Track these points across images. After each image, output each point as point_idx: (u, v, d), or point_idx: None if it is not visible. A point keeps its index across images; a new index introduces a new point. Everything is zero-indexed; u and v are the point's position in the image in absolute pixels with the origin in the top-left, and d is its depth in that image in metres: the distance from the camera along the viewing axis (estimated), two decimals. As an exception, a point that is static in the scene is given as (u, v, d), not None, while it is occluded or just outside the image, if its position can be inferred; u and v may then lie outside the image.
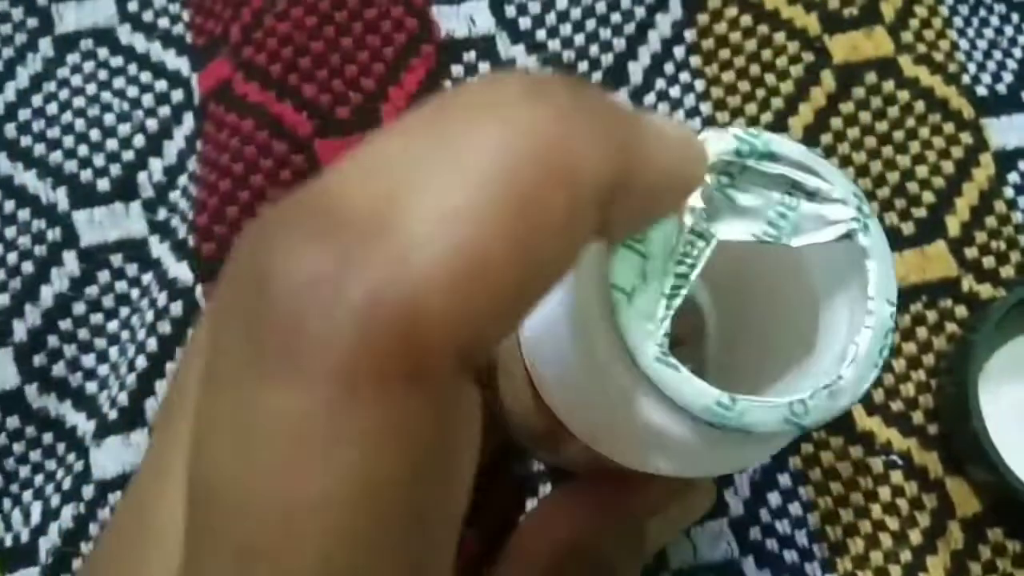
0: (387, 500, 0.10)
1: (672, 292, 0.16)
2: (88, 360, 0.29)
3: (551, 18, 0.30)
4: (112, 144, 0.30)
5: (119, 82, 0.31)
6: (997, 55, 0.31)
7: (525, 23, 0.30)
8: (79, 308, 0.29)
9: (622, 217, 0.12)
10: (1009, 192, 0.29)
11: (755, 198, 0.17)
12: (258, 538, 0.10)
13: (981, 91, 0.30)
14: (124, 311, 0.29)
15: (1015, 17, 0.31)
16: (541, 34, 0.30)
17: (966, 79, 0.30)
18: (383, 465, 0.10)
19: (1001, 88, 0.30)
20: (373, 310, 0.09)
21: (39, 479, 0.28)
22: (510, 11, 0.30)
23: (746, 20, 0.31)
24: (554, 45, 0.30)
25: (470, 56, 0.30)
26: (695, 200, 0.16)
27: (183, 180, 0.29)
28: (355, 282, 0.09)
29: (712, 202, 0.16)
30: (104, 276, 0.29)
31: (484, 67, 0.30)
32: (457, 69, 0.30)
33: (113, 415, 0.27)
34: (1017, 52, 0.31)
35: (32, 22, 0.31)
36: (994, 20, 0.31)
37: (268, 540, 0.09)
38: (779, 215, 0.17)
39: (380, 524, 0.10)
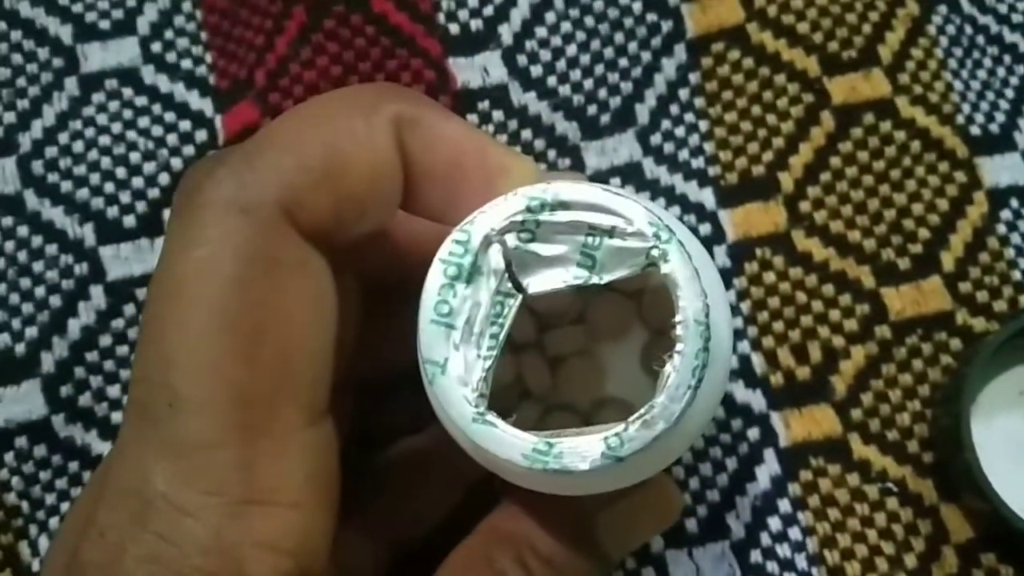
0: (228, 287, 0.18)
1: (488, 353, 0.19)
2: (114, 391, 0.32)
3: (561, 65, 0.34)
4: (138, 182, 0.34)
5: (144, 121, 0.34)
6: (990, 96, 0.34)
7: (536, 71, 0.34)
8: (105, 340, 0.32)
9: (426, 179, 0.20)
10: (1002, 229, 0.33)
11: (558, 247, 0.19)
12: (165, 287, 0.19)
13: (975, 131, 0.34)
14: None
15: (1007, 59, 0.35)
16: (552, 81, 0.34)
17: (960, 119, 0.34)
18: (224, 261, 0.18)
19: (994, 128, 0.34)
20: (226, 177, 0.19)
21: (65, 507, 0.32)
22: (521, 60, 0.34)
23: (748, 63, 0.34)
24: (564, 90, 0.34)
25: (484, 105, 0.34)
26: (496, 262, 0.19)
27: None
28: (225, 165, 0.19)
29: (518, 261, 0.19)
30: (130, 309, 0.33)
31: (497, 115, 0.33)
32: (472, 118, 0.33)
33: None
34: (1009, 92, 0.34)
35: (58, 62, 0.35)
36: (987, 62, 0.35)
37: (172, 288, 0.19)
38: (585, 257, 0.19)
39: (228, 297, 0.18)
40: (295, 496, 0.18)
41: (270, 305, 0.18)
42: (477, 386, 0.18)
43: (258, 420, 0.18)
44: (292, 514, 0.18)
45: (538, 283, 0.19)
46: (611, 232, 0.19)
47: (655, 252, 0.18)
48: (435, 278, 0.19)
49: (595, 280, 0.19)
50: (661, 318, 0.24)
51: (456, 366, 0.19)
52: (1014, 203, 0.33)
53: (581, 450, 0.18)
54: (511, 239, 0.19)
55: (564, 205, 0.19)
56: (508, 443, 0.18)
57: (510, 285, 0.19)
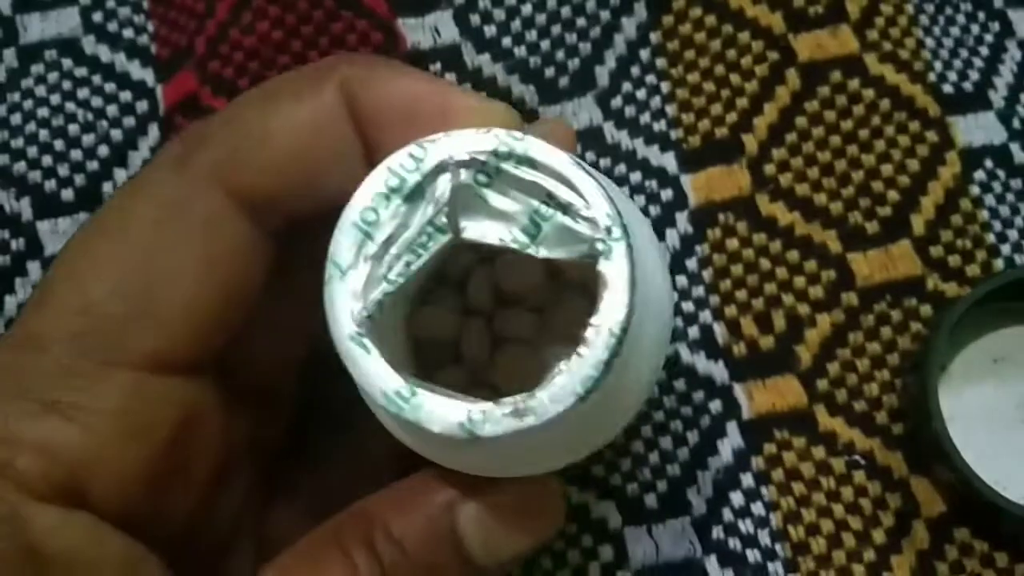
0: (135, 226, 0.20)
1: (395, 279, 0.18)
2: (54, 371, 0.32)
3: (516, 25, 0.33)
4: (76, 155, 0.33)
5: (83, 92, 0.33)
6: (963, 53, 0.33)
7: (490, 31, 0.33)
8: (45, 319, 0.32)
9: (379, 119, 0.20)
10: (975, 190, 0.32)
11: (510, 202, 0.18)
12: None
13: (947, 89, 0.33)
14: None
15: (981, 15, 0.34)
16: (507, 41, 0.33)
17: (932, 77, 0.33)
18: (145, 204, 0.20)
19: (967, 86, 0.33)
20: (180, 141, 0.21)
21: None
22: (474, 20, 0.33)
23: (711, 20, 0.33)
24: (520, 52, 0.33)
25: (436, 67, 0.33)
26: (442, 192, 0.18)
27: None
28: (186, 132, 0.22)
29: (465, 199, 0.18)
30: (69, 286, 0.32)
31: (450, 78, 0.33)
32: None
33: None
34: (983, 50, 0.33)
35: (-4, 33, 0.34)
36: (960, 18, 0.34)
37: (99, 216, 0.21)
38: (532, 223, 0.18)
39: (128, 233, 0.21)
40: (100, 424, 0.19)
41: (165, 249, 0.20)
42: (369, 307, 0.18)
43: (98, 340, 0.19)
44: (87, 436, 0.19)
45: (476, 231, 0.18)
46: (566, 208, 0.18)
47: (599, 246, 0.18)
48: (373, 184, 0.18)
49: (532, 251, 0.18)
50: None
51: (357, 278, 0.18)
52: (988, 163, 0.33)
53: (440, 412, 0.17)
54: (466, 175, 0.18)
55: (531, 163, 0.18)
56: (374, 374, 0.17)
57: (446, 220, 0.18)
